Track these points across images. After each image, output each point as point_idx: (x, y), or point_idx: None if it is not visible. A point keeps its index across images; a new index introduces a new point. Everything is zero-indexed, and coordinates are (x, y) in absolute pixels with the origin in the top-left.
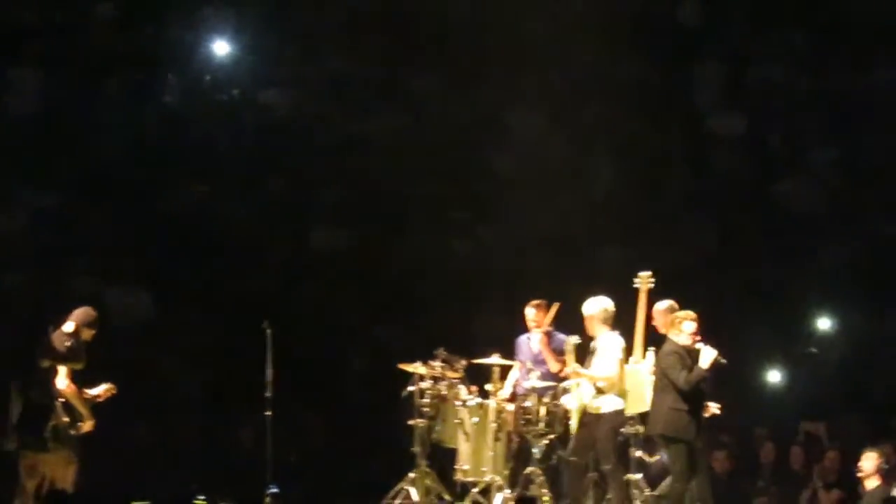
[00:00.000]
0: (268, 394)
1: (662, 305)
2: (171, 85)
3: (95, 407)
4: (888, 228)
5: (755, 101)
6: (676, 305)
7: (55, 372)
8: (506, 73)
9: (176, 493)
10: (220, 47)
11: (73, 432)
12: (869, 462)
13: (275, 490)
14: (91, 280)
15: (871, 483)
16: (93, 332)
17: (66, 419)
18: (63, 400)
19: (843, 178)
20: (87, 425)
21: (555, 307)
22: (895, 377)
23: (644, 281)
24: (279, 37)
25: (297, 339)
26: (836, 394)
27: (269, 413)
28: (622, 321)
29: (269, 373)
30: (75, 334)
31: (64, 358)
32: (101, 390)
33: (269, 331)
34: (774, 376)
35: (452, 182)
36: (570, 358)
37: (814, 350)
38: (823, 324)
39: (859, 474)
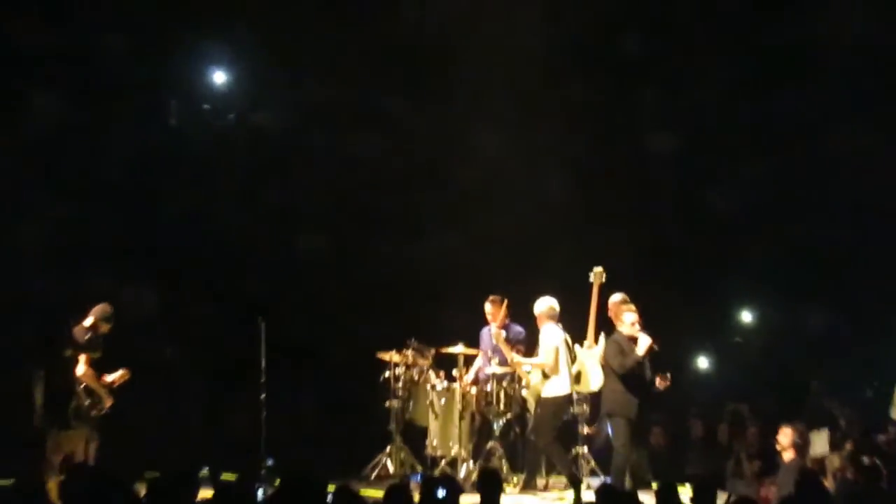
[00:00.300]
0: (262, 379)
1: (615, 298)
2: (174, 108)
3: (113, 391)
4: (802, 235)
5: (688, 121)
6: (627, 298)
7: (76, 361)
8: (468, 97)
9: (182, 467)
10: (218, 76)
11: (94, 413)
12: (785, 437)
13: (271, 462)
14: (105, 280)
15: (788, 455)
16: (109, 325)
17: (87, 402)
18: (84, 384)
19: (764, 190)
20: (107, 403)
21: (505, 303)
22: (807, 363)
23: (597, 276)
24: (268, 66)
25: (287, 331)
26: (757, 378)
27: (263, 395)
28: (577, 312)
29: (263, 360)
30: (94, 327)
31: (83, 348)
32: (116, 376)
33: (262, 323)
34: (703, 362)
35: (422, 192)
36: (505, 348)
37: (739, 340)
38: (746, 317)
39: (777, 447)
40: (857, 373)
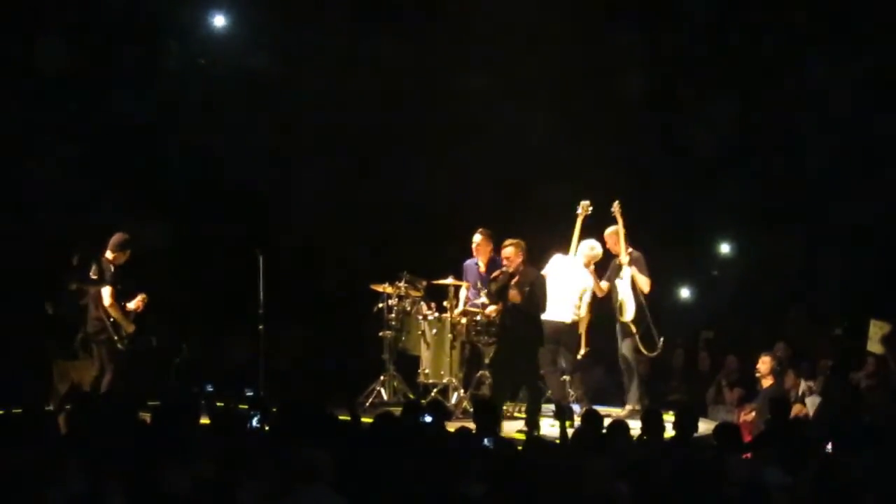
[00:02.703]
0: (260, 310)
1: (610, 229)
2: (174, 52)
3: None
4: (776, 168)
5: (666, 62)
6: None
7: (82, 293)
8: (458, 38)
9: (184, 396)
10: (218, 20)
11: (120, 347)
12: (764, 365)
13: (250, 393)
14: (110, 215)
15: (767, 382)
16: (126, 254)
17: (115, 336)
18: (112, 319)
19: (739, 126)
20: (129, 329)
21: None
22: (782, 293)
23: (584, 208)
24: (263, 9)
25: (285, 265)
26: (735, 307)
27: (261, 327)
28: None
29: (261, 292)
30: (114, 260)
31: (89, 282)
32: (137, 301)
33: (260, 256)
34: (685, 293)
35: (414, 132)
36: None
37: (715, 273)
38: (724, 248)
39: (757, 375)
40: (834, 304)
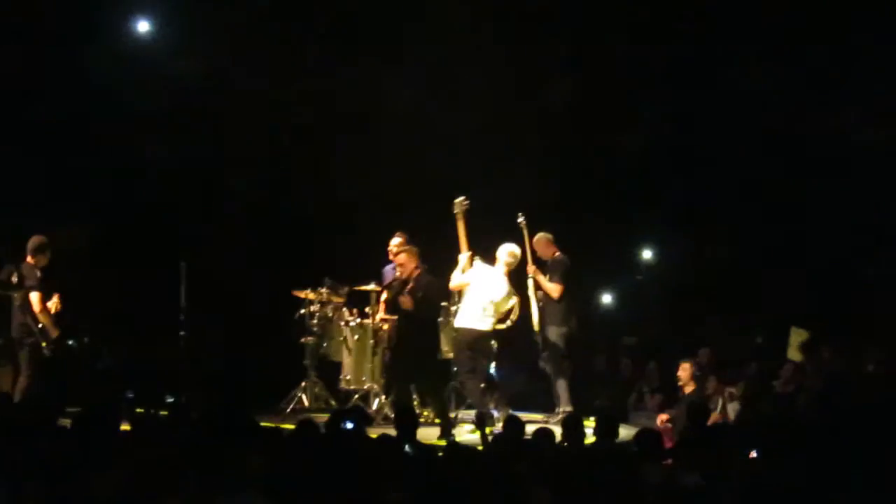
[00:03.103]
0: (181, 317)
1: (538, 236)
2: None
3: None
4: (701, 176)
5: (591, 65)
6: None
7: (2, 299)
8: (388, 45)
9: (104, 401)
10: (143, 25)
11: (46, 353)
12: (684, 372)
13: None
14: (32, 221)
15: (689, 388)
16: (46, 256)
17: (44, 343)
18: (41, 325)
19: (662, 133)
20: (53, 334)
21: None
22: (704, 300)
23: (458, 206)
24: (191, 16)
25: (207, 272)
26: (656, 313)
27: (182, 333)
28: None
29: (183, 299)
30: (36, 263)
31: (7, 287)
32: (54, 302)
33: (183, 264)
34: (607, 299)
35: (338, 135)
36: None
37: (640, 277)
38: (647, 254)
39: (679, 383)
40: (753, 314)
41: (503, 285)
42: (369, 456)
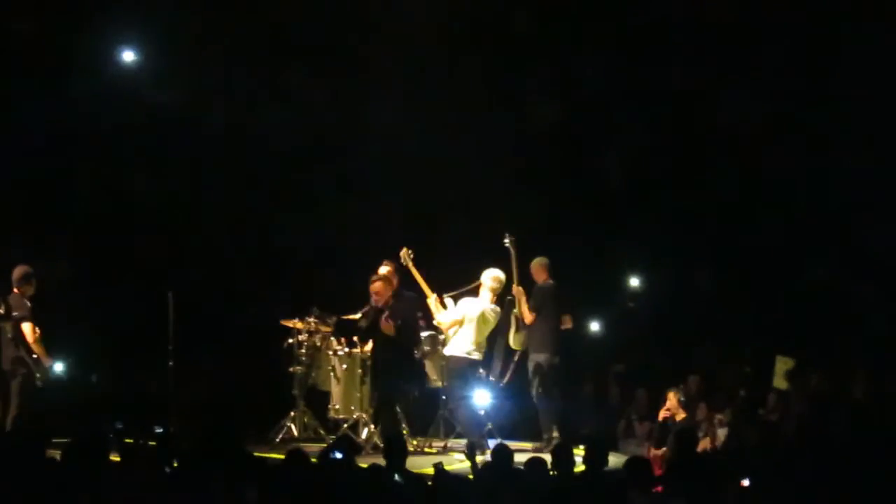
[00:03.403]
0: (170, 346)
1: (535, 260)
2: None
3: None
4: (688, 202)
5: (576, 93)
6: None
7: None
8: (369, 71)
9: (95, 430)
10: (127, 55)
11: (40, 384)
12: (671, 401)
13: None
14: (14, 253)
15: (679, 416)
16: (32, 286)
17: (37, 373)
18: (35, 355)
19: (650, 159)
20: (46, 363)
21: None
22: (692, 326)
23: (404, 257)
24: (173, 45)
25: (195, 302)
26: (645, 341)
27: (171, 363)
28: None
29: (171, 328)
30: (23, 293)
31: (8, 319)
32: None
33: (170, 294)
34: (595, 326)
35: (323, 164)
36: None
37: (631, 305)
38: (634, 282)
39: (669, 413)
40: (744, 337)
41: (491, 311)
42: (358, 486)
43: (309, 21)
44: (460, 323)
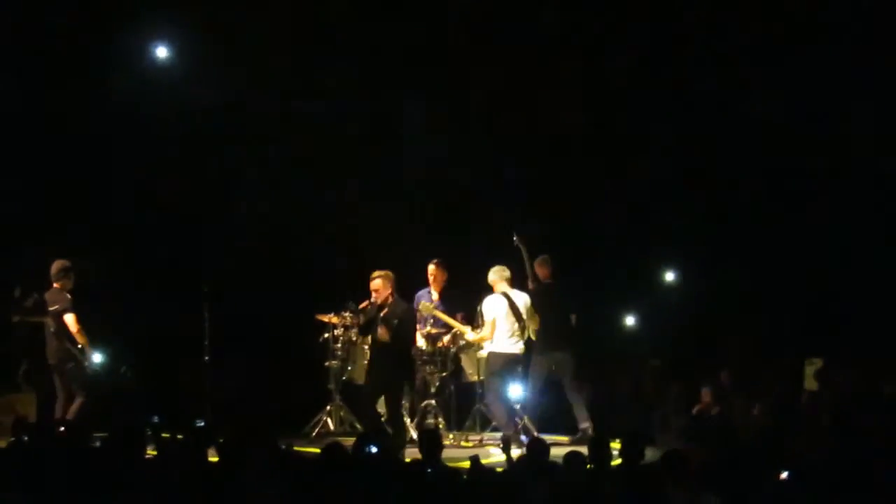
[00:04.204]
0: (206, 341)
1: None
2: (117, 85)
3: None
4: (721, 194)
5: (607, 87)
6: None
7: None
8: (398, 62)
9: (132, 425)
10: (161, 51)
11: (89, 372)
12: (706, 397)
13: (201, 423)
14: (48, 252)
15: (714, 409)
16: (71, 278)
17: (85, 362)
18: (80, 346)
19: (684, 153)
20: (90, 353)
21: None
22: (726, 321)
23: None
24: (208, 41)
25: (230, 294)
26: (680, 335)
27: (206, 357)
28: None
29: (206, 323)
30: (62, 287)
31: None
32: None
33: (205, 290)
34: (630, 320)
35: (359, 161)
36: (453, 323)
37: (669, 300)
38: (669, 276)
39: (703, 408)
40: (777, 333)
41: (520, 301)
42: (393, 479)
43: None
44: (493, 325)
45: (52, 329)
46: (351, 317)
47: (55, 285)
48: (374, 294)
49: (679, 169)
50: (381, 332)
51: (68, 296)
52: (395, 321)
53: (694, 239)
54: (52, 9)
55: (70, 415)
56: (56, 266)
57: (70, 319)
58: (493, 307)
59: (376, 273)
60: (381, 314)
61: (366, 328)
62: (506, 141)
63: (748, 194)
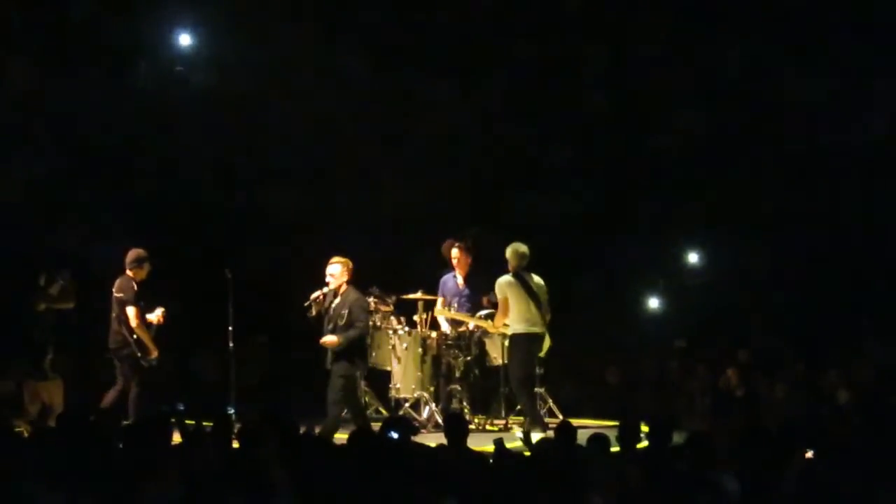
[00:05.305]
0: (230, 327)
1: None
2: (142, 72)
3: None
4: (744, 179)
5: (634, 70)
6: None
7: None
8: (425, 50)
9: (158, 411)
10: (184, 38)
11: (144, 364)
12: (733, 378)
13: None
14: (79, 237)
15: (739, 391)
16: (145, 269)
17: (139, 354)
18: (136, 337)
19: (708, 135)
20: (152, 355)
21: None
22: (752, 301)
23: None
24: (231, 28)
25: (253, 279)
26: (704, 317)
27: (231, 344)
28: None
29: (231, 309)
30: (134, 276)
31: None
32: (158, 315)
33: (230, 276)
34: (654, 303)
35: (379, 145)
36: (467, 319)
37: (692, 282)
38: (692, 258)
39: (729, 387)
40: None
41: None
42: (417, 464)
43: None
44: (504, 306)
45: (113, 314)
46: (376, 301)
47: (128, 272)
48: (329, 278)
49: (704, 148)
50: (333, 343)
51: (134, 286)
52: (345, 310)
53: (719, 219)
54: None
55: (105, 402)
56: (132, 255)
57: (131, 312)
58: (503, 288)
59: (335, 259)
60: (332, 304)
61: (318, 318)
62: (526, 124)
63: (769, 174)
